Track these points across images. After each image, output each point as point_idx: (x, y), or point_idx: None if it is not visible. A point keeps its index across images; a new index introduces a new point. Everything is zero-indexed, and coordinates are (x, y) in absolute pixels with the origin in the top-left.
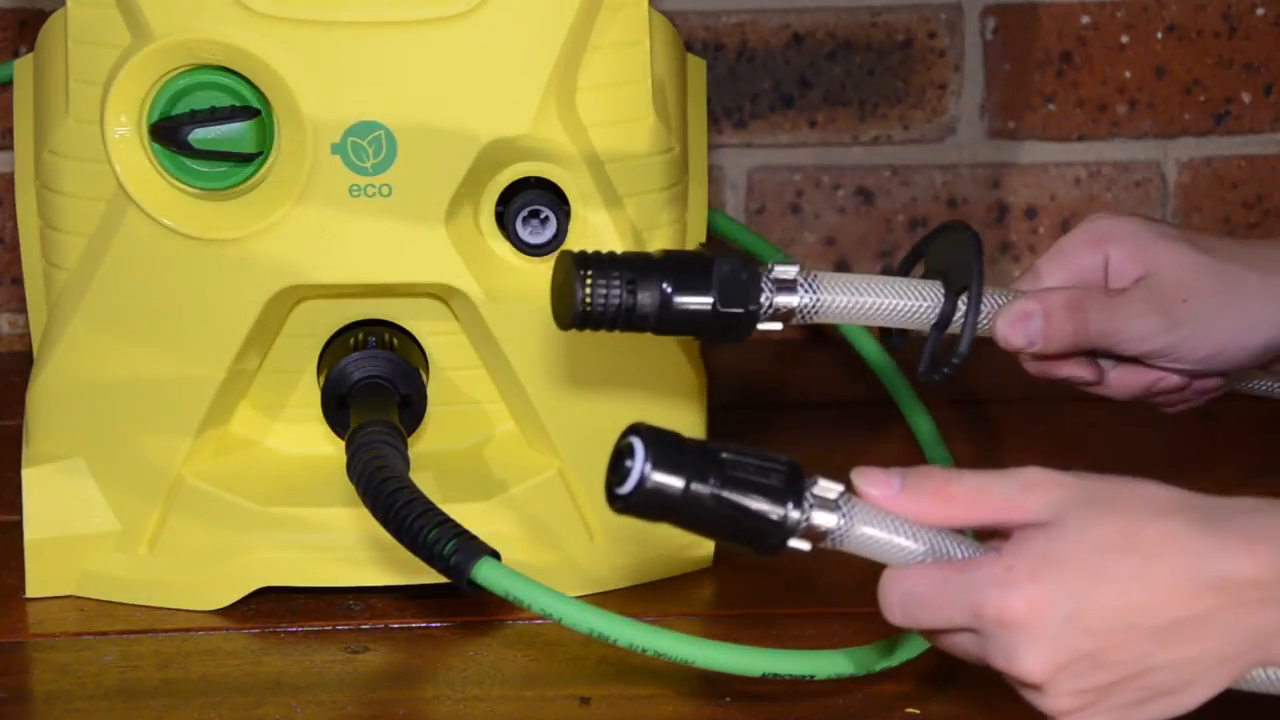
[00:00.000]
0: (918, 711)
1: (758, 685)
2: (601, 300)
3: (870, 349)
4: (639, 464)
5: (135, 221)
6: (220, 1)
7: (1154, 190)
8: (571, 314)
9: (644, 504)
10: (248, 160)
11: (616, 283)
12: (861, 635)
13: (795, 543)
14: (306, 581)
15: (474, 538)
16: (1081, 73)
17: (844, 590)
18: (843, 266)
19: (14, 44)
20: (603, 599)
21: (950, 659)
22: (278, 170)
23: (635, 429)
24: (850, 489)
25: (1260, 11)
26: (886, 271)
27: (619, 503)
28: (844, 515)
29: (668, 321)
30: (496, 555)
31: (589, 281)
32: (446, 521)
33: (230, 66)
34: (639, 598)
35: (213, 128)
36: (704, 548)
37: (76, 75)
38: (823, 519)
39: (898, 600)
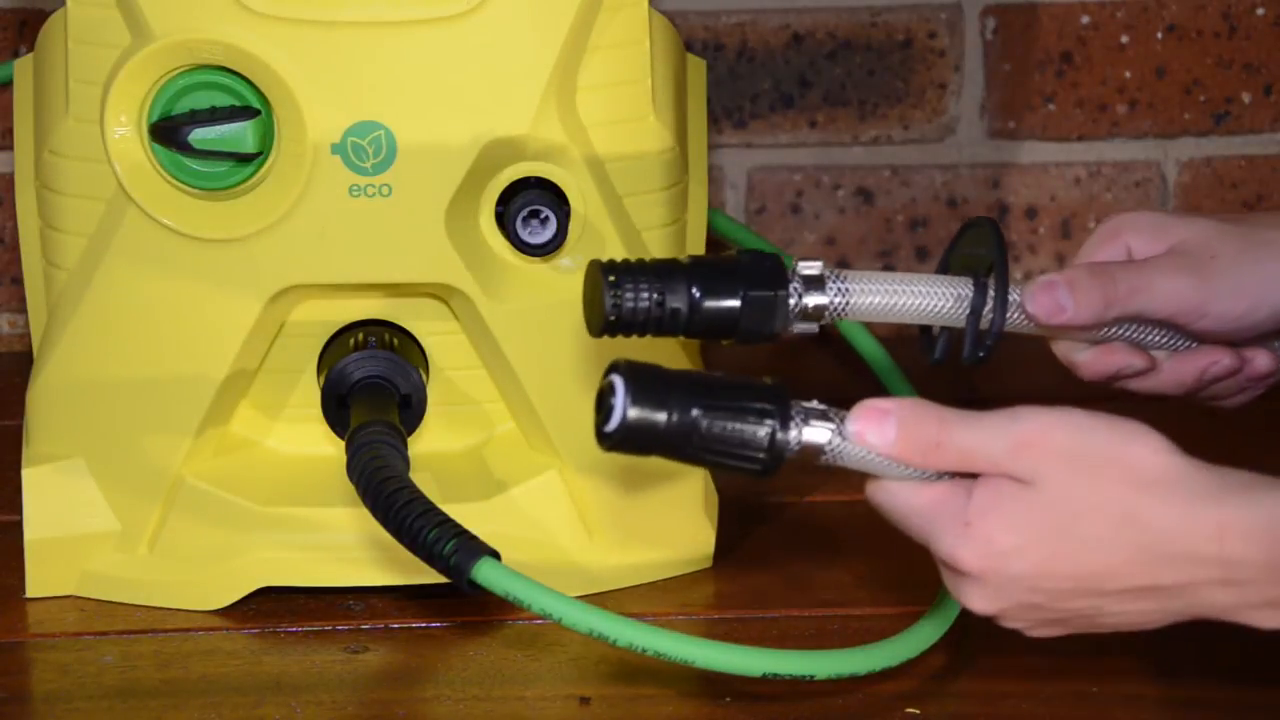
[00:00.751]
0: (918, 711)
1: (758, 685)
2: (630, 306)
3: (870, 348)
4: (619, 401)
5: (135, 221)
6: (220, 1)
7: (1154, 190)
8: (601, 320)
9: (629, 440)
10: (248, 160)
11: (645, 288)
12: (861, 635)
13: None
14: (306, 581)
15: (474, 538)
16: (1081, 73)
17: (844, 590)
18: (843, 266)
19: (14, 44)
20: (603, 599)
21: (950, 659)
22: (278, 170)
23: (615, 366)
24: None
25: (1260, 11)
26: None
27: (606, 441)
28: (837, 433)
29: (698, 322)
30: (496, 555)
31: (616, 288)
32: (446, 521)
33: (230, 66)
34: (639, 598)
35: (213, 128)
36: (704, 547)
37: (76, 75)
38: (814, 436)
39: (874, 508)
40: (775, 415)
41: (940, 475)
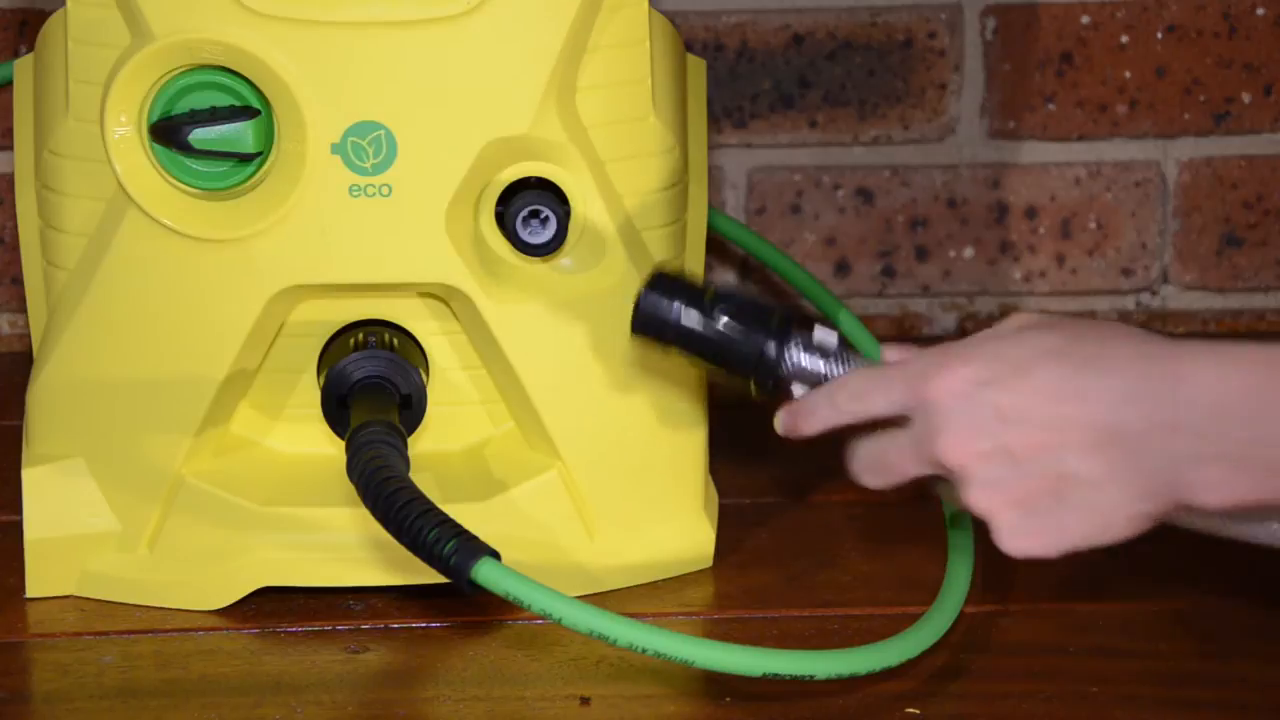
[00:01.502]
0: (918, 711)
1: (758, 685)
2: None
3: (870, 347)
4: (643, 289)
5: (135, 221)
6: (220, 1)
7: (1154, 190)
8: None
9: (645, 324)
10: (248, 160)
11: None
12: (861, 635)
13: (797, 388)
14: (306, 581)
15: (474, 538)
16: (1081, 73)
17: (844, 590)
18: (843, 266)
19: (14, 44)
20: (603, 599)
21: (950, 659)
22: (278, 170)
23: (658, 266)
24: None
25: (1260, 11)
26: (886, 272)
27: (631, 326)
28: (837, 362)
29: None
30: (496, 555)
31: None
32: (446, 521)
33: (230, 66)
34: (639, 598)
35: (213, 128)
36: (704, 547)
37: (76, 75)
38: (813, 363)
39: (850, 383)
40: (775, 335)
41: None
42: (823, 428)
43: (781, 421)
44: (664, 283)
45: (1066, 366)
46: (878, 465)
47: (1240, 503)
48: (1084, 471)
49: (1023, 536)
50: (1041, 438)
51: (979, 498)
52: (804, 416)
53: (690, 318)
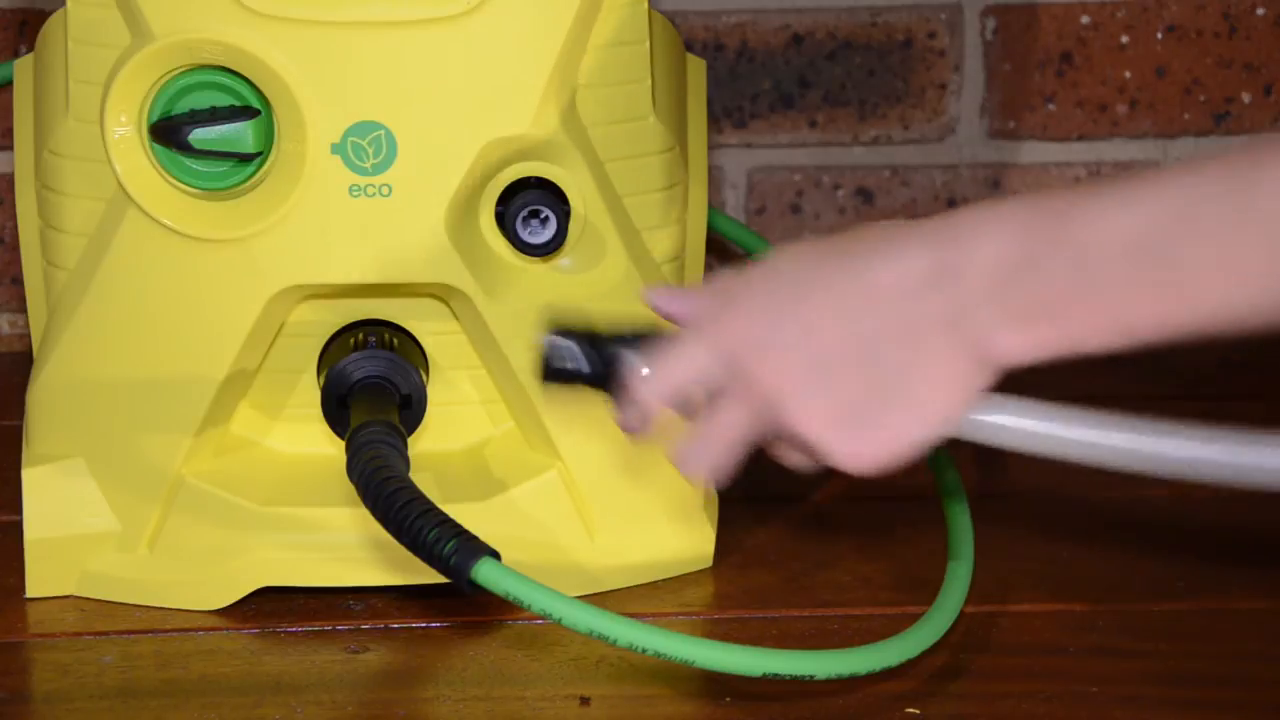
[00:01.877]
0: (918, 711)
1: (758, 685)
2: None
3: None
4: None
5: (135, 221)
6: (220, 1)
7: None
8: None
9: (550, 370)
10: (248, 160)
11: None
12: (861, 635)
13: None
14: (306, 581)
15: (474, 538)
16: (1081, 73)
17: (844, 590)
18: None
19: (14, 44)
20: (603, 599)
21: (950, 659)
22: (278, 170)
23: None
24: None
25: (1260, 11)
26: None
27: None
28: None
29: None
30: (496, 555)
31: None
32: (446, 521)
33: (230, 66)
34: (639, 598)
35: (213, 128)
36: (704, 547)
37: (76, 75)
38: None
39: (657, 370)
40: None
41: None
42: (648, 417)
43: (619, 422)
44: (564, 330)
45: (857, 262)
46: (711, 440)
47: (1046, 353)
48: (896, 361)
49: (855, 447)
50: (848, 340)
51: (802, 419)
52: (629, 421)
53: (589, 358)
